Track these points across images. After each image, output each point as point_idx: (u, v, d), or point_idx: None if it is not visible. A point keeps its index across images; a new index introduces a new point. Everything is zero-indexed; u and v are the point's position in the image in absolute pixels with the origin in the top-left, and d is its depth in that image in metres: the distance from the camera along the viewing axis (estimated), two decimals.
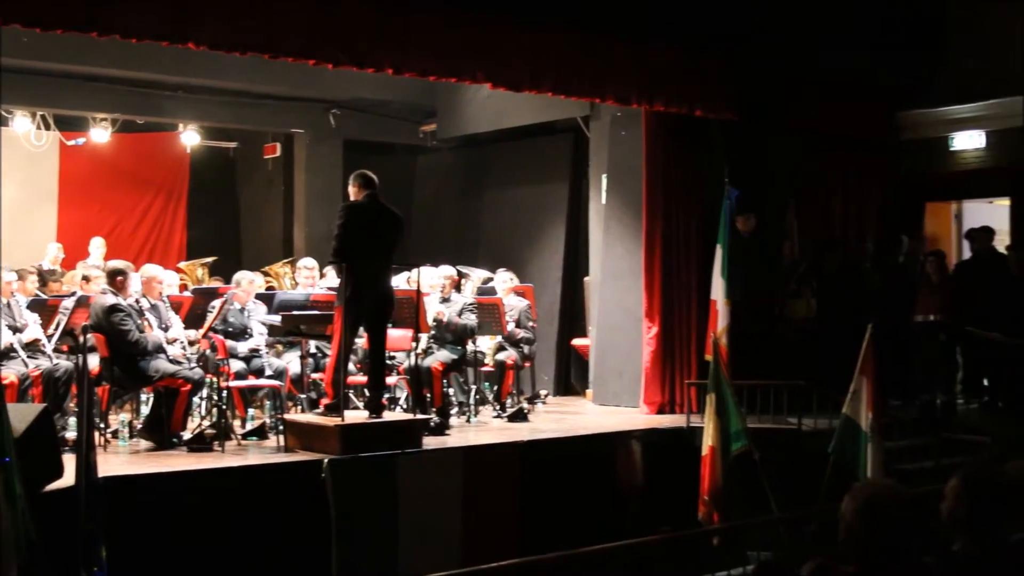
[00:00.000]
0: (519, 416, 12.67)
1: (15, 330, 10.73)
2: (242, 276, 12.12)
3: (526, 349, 13.48)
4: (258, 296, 12.50)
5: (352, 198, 10.34)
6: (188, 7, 9.70)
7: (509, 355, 13.17)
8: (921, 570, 4.11)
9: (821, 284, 13.63)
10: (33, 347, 10.78)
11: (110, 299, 10.44)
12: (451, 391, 13.03)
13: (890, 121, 15.13)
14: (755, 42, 13.26)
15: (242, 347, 11.55)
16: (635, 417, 13.07)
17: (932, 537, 4.48)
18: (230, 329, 11.60)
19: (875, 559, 4.01)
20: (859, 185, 14.98)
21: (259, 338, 11.70)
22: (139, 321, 10.55)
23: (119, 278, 10.62)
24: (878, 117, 14.96)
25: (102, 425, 10.71)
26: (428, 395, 11.93)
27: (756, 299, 12.97)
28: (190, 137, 17.45)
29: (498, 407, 13.05)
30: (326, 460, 9.56)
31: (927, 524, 4.28)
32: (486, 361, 13.21)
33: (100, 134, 16.42)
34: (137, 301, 10.75)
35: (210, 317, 11.32)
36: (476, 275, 14.44)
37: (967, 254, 14.43)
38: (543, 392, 14.67)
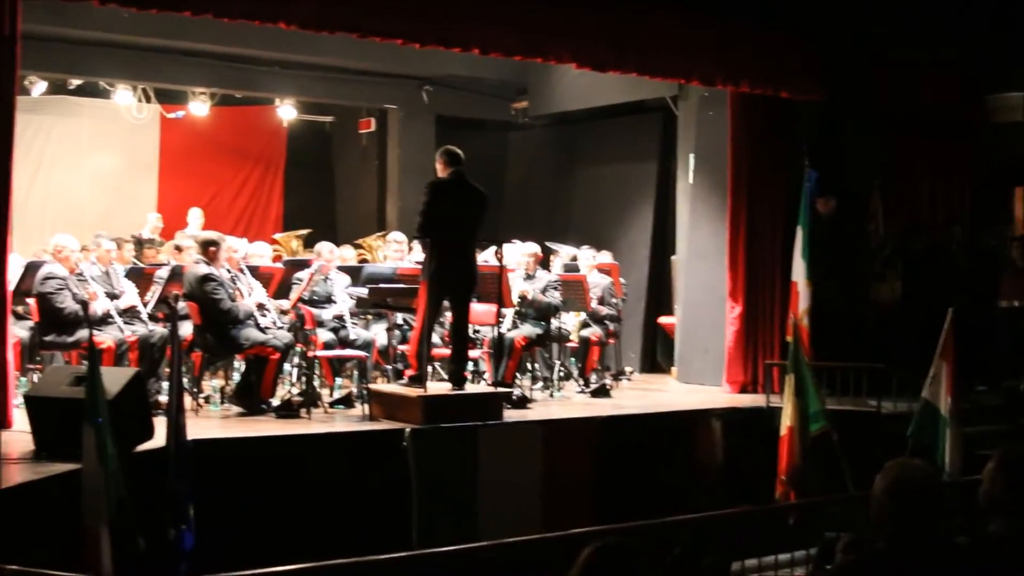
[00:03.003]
0: (602, 392, 12.81)
1: (112, 297, 11.11)
2: (323, 246, 12.40)
3: (610, 326, 13.60)
4: (348, 268, 12.79)
5: (439, 174, 10.51)
6: None
7: (593, 331, 13.29)
8: (951, 550, 4.19)
9: (906, 267, 13.60)
10: (130, 314, 11.14)
11: (203, 268, 10.74)
12: (536, 366, 13.21)
13: (979, 104, 14.98)
14: (842, 23, 13.24)
15: (326, 314, 11.82)
16: (717, 396, 13.15)
17: (972, 519, 4.55)
18: (315, 298, 11.88)
19: (903, 536, 4.10)
20: (947, 168, 14.83)
21: (342, 306, 11.96)
22: (231, 290, 10.86)
23: (212, 248, 10.91)
24: (966, 100, 14.82)
25: (195, 390, 11.06)
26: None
27: (837, 281, 12.97)
28: (287, 111, 17.69)
29: (582, 383, 13.19)
30: (408, 429, 9.80)
31: (964, 505, 4.35)
32: (570, 337, 13.34)
33: (199, 107, 16.67)
34: (229, 271, 11.06)
35: (297, 288, 11.58)
36: (564, 252, 14.57)
37: None
38: (628, 369, 14.77)
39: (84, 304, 10.64)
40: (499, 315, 11.50)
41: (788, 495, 10.16)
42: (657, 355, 15.90)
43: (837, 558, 4.59)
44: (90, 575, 6.01)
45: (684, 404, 12.67)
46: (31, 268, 11.11)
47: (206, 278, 10.67)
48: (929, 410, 9.90)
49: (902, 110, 13.98)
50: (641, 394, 13.50)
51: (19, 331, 10.90)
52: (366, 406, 10.83)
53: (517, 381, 12.34)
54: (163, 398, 10.11)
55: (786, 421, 10.26)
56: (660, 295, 15.92)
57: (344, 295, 12.06)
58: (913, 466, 4.29)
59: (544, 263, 13.60)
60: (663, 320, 15.42)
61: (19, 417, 9.24)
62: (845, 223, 13.45)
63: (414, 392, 10.25)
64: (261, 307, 11.19)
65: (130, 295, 11.23)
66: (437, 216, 10.24)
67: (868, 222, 13.83)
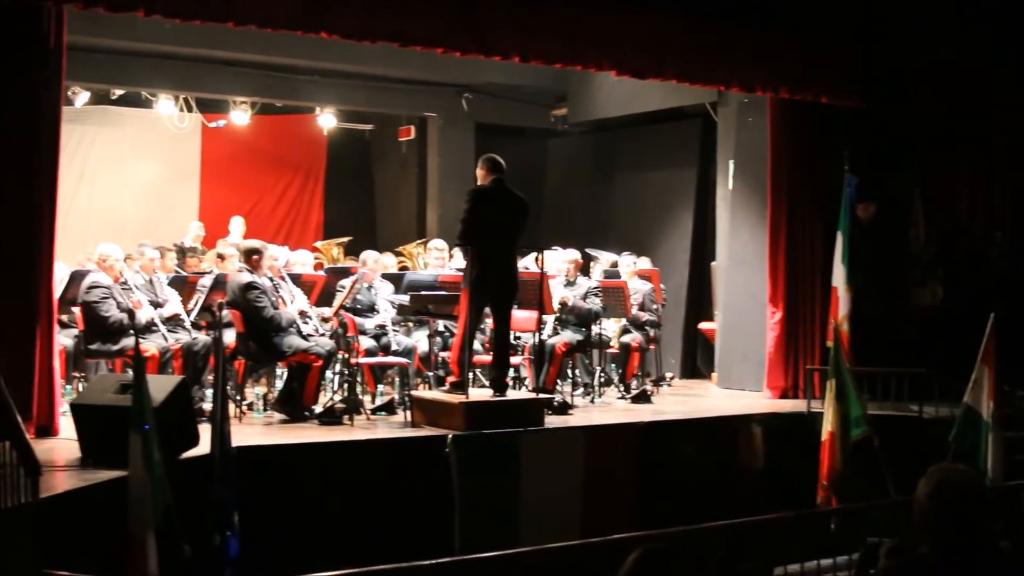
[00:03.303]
0: (642, 398, 12.81)
1: (156, 305, 11.20)
2: (368, 255, 12.48)
3: (651, 332, 13.59)
4: (390, 276, 12.85)
5: (479, 182, 10.54)
6: None
7: (634, 337, 13.30)
8: (995, 554, 4.19)
9: (947, 272, 13.54)
10: (174, 322, 11.24)
11: (246, 277, 10.82)
12: (577, 372, 13.24)
13: (1018, 107, 14.85)
14: (881, 29, 13.20)
15: (369, 324, 11.88)
16: (757, 401, 13.13)
17: (1014, 524, 4.53)
18: (358, 306, 11.95)
19: (947, 541, 4.10)
20: (989, 173, 14.75)
21: (385, 315, 12.03)
22: (273, 298, 10.93)
23: (255, 257, 10.99)
24: (1005, 104, 14.70)
25: (238, 398, 11.12)
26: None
27: (878, 286, 12.94)
28: (327, 120, 17.74)
29: (622, 389, 13.21)
30: (450, 436, 9.84)
31: (1006, 510, 4.34)
32: (611, 343, 13.36)
33: (240, 116, 16.73)
34: (271, 279, 11.13)
35: (340, 296, 11.64)
36: (604, 258, 14.58)
37: None
38: (669, 375, 14.77)
39: (130, 312, 10.76)
40: (540, 321, 11.53)
41: (830, 500, 10.12)
42: (697, 361, 15.90)
43: (880, 563, 4.59)
44: None
45: (725, 409, 12.68)
46: (76, 277, 11.23)
47: (249, 286, 10.75)
48: (971, 415, 9.84)
49: (942, 115, 13.91)
50: (682, 400, 13.48)
51: (64, 339, 11.03)
52: (408, 413, 10.86)
53: (558, 387, 12.39)
54: (207, 405, 10.20)
55: (827, 426, 10.21)
56: (700, 301, 15.93)
57: (387, 304, 12.12)
58: (957, 471, 4.30)
59: (584, 269, 13.63)
60: (703, 326, 15.42)
61: (65, 425, 9.36)
62: (885, 229, 13.40)
63: (456, 399, 10.30)
64: (303, 315, 11.26)
65: (174, 303, 11.34)
66: (478, 223, 10.26)
67: (910, 227, 13.77)
